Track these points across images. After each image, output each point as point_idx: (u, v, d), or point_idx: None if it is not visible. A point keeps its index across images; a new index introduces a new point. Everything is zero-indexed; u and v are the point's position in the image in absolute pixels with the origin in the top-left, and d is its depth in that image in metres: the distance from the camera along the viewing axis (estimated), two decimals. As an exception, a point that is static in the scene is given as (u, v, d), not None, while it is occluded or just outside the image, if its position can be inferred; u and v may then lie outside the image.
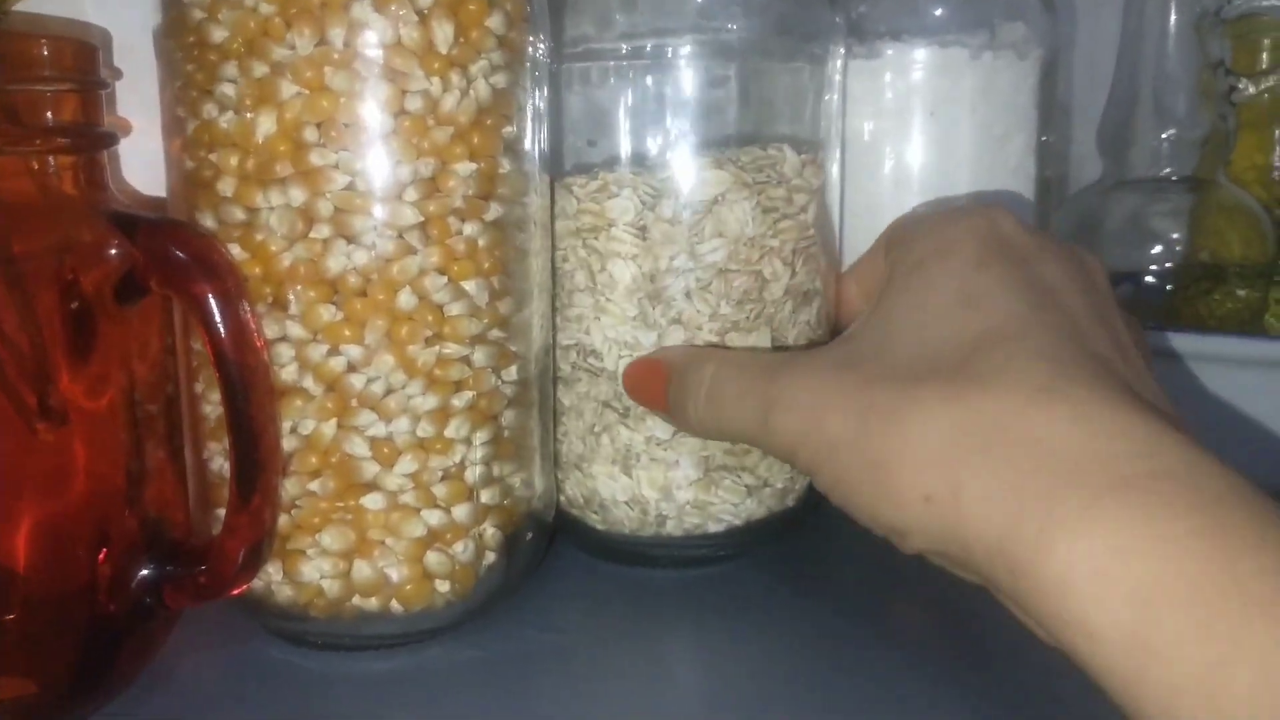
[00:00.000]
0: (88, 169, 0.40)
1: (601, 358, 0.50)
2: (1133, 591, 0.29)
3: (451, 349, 0.43)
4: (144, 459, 0.41)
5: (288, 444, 0.42)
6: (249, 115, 0.41)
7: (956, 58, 0.56)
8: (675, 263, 0.48)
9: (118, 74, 0.51)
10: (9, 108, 0.38)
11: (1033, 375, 0.34)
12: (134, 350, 0.40)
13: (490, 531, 0.46)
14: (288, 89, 0.40)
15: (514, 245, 0.45)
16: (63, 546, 0.38)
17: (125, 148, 0.49)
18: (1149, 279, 0.73)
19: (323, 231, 0.41)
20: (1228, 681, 0.27)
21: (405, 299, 0.42)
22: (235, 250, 0.41)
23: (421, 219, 0.42)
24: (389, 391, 0.42)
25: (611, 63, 0.50)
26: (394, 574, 0.43)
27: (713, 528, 0.51)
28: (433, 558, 0.44)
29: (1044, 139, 0.59)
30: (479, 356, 0.44)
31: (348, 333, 0.41)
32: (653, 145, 0.50)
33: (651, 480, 0.50)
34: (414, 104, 0.41)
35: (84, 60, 0.40)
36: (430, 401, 0.43)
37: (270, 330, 0.41)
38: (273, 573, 0.43)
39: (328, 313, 0.41)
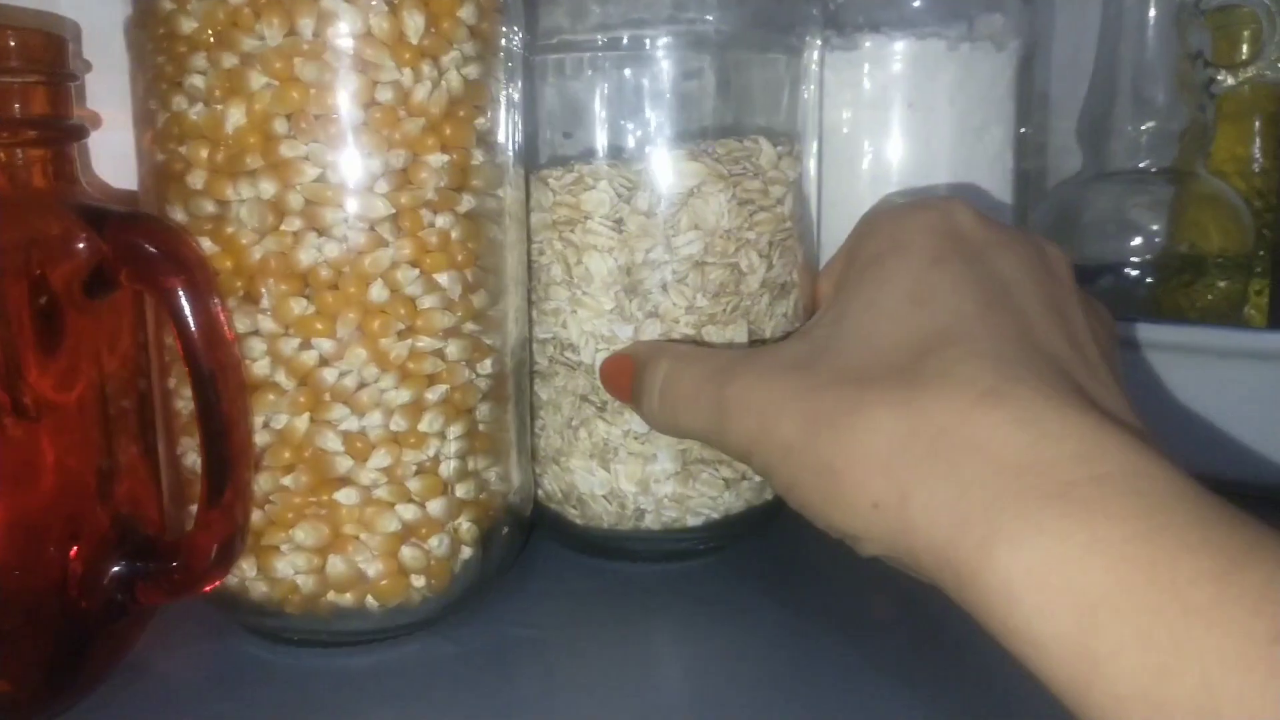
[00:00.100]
0: (56, 162, 0.40)
1: (578, 351, 0.50)
2: (1074, 601, 0.29)
3: (424, 342, 0.43)
4: (116, 455, 0.41)
5: (260, 439, 0.42)
6: (219, 107, 0.40)
7: (934, 49, 0.56)
8: (651, 255, 0.48)
9: (87, 66, 0.51)
10: (-24, 100, 0.37)
11: (978, 378, 0.34)
12: (104, 345, 0.40)
13: (466, 526, 0.45)
14: (257, 80, 0.40)
15: (488, 238, 0.45)
16: (33, 543, 0.38)
17: (96, 141, 0.49)
18: (1129, 271, 0.73)
19: (294, 224, 0.41)
20: (1171, 691, 0.27)
21: (377, 292, 0.41)
22: (206, 243, 0.41)
23: (393, 211, 0.41)
24: (362, 385, 0.42)
25: (586, 54, 0.50)
26: (369, 569, 0.43)
27: (691, 521, 0.51)
28: (408, 553, 0.43)
29: (1023, 131, 0.59)
30: (452, 350, 0.44)
31: (319, 326, 0.41)
32: (628, 138, 0.49)
33: (629, 474, 0.50)
34: (385, 95, 0.41)
35: (52, 52, 0.39)
36: (403, 395, 0.43)
37: (241, 324, 0.41)
38: (247, 569, 0.43)
39: (299, 306, 0.41)
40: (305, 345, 0.41)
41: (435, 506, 0.44)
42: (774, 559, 0.53)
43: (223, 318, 0.38)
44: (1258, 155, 0.81)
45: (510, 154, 0.47)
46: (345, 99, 0.40)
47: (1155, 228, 0.73)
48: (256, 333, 0.41)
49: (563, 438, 0.51)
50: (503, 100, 0.46)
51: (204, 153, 0.41)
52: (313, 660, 0.44)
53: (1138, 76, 0.72)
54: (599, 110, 0.50)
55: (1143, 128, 0.73)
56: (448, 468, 0.44)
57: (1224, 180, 0.76)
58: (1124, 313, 0.66)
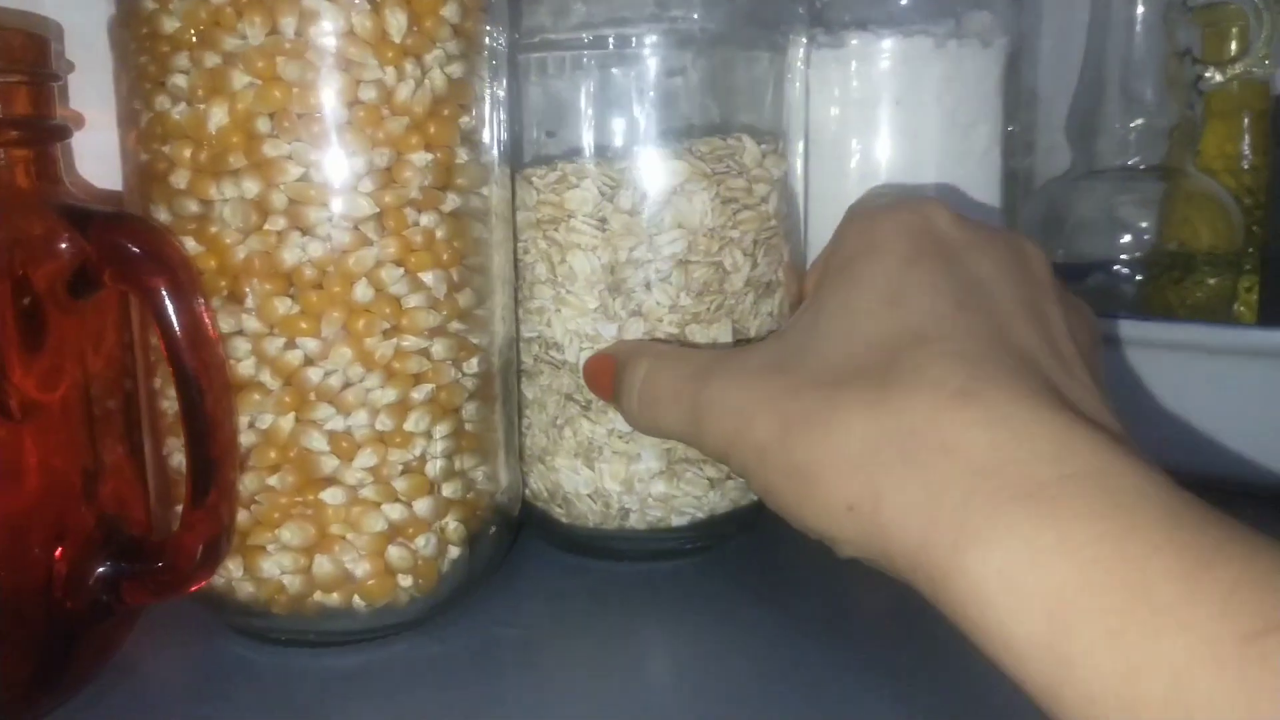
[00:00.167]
0: (40, 162, 0.40)
1: (563, 350, 0.50)
2: (1045, 602, 0.29)
3: (410, 341, 0.43)
4: (101, 455, 0.41)
5: (245, 439, 0.42)
6: (201, 106, 0.40)
7: (921, 47, 0.56)
8: (635, 254, 0.48)
9: (70, 66, 0.51)
10: (-42, 100, 0.37)
11: (949, 378, 0.34)
12: (88, 345, 0.40)
13: (453, 526, 0.45)
14: (240, 79, 0.40)
15: (473, 237, 0.45)
16: (17, 543, 0.38)
17: (80, 141, 0.49)
18: (1118, 268, 0.73)
19: (277, 223, 0.41)
20: (1142, 691, 0.27)
21: (362, 291, 0.41)
22: (190, 243, 0.41)
23: (377, 210, 0.41)
24: (347, 385, 0.42)
25: (569, 53, 0.50)
26: (356, 569, 0.43)
27: (676, 521, 0.51)
28: (395, 552, 0.43)
29: (1010, 128, 0.59)
30: (438, 349, 0.44)
31: (304, 325, 0.41)
32: (612, 136, 0.49)
33: (614, 473, 0.50)
34: (368, 94, 0.41)
35: (34, 52, 0.39)
36: (389, 395, 0.42)
37: (226, 324, 0.41)
38: (233, 569, 0.43)
39: (284, 306, 0.41)
40: (290, 345, 0.41)
41: (422, 506, 0.44)
42: (761, 559, 0.53)
43: (207, 318, 0.38)
44: (1247, 152, 0.81)
45: (495, 153, 0.47)
46: (328, 98, 0.40)
47: (1144, 225, 0.73)
48: (241, 332, 0.41)
49: (548, 436, 0.51)
50: (487, 99, 0.46)
51: (187, 152, 0.41)
52: (300, 660, 0.44)
53: (1126, 74, 0.72)
54: (582, 109, 0.50)
55: (1131, 125, 0.73)
56: (434, 467, 0.44)
57: (1213, 177, 0.76)
58: (1113, 310, 0.66)
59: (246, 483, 0.42)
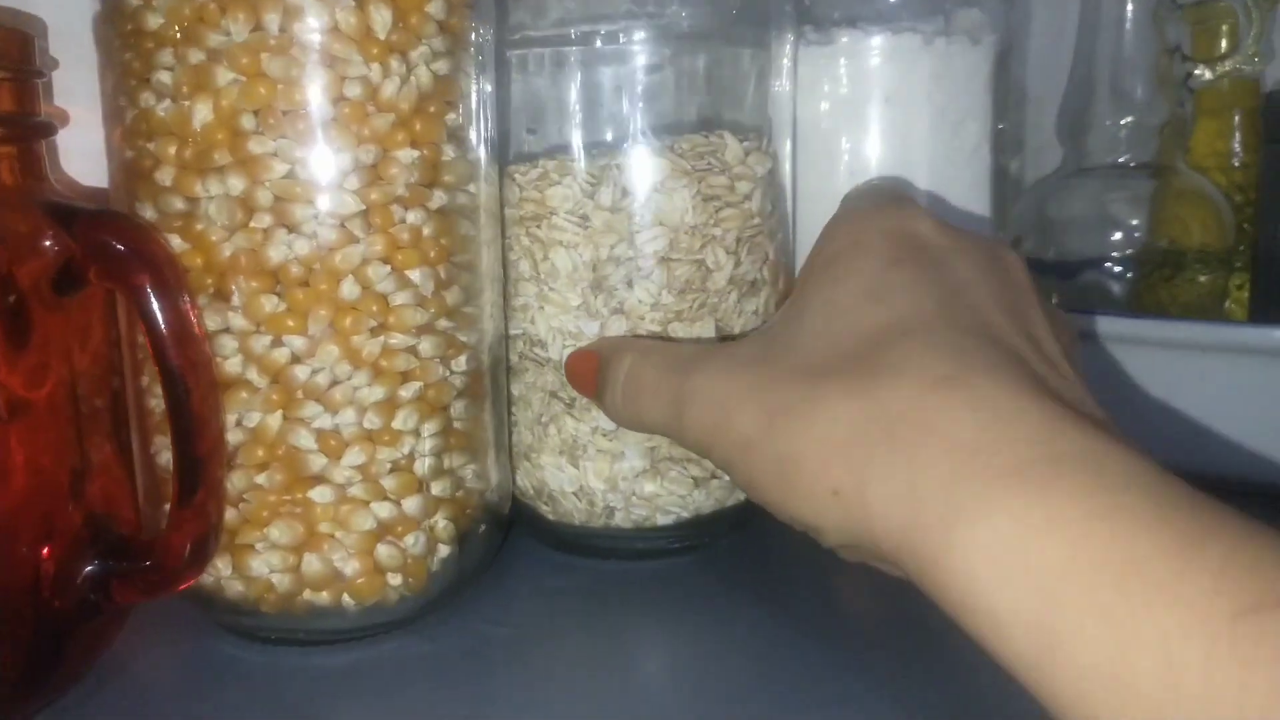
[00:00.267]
0: (24, 159, 0.40)
1: (546, 347, 0.50)
2: (1034, 578, 0.29)
3: (397, 339, 0.43)
4: (88, 453, 0.41)
5: (233, 437, 0.42)
6: (186, 103, 0.40)
7: (910, 44, 0.56)
8: (616, 251, 0.48)
9: (55, 63, 0.51)
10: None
11: (934, 365, 0.34)
12: (74, 342, 0.40)
13: (442, 524, 0.45)
14: (224, 76, 0.40)
15: (461, 234, 0.45)
16: (5, 543, 0.37)
17: (67, 138, 0.49)
18: (1110, 266, 0.73)
19: (263, 221, 0.41)
20: (1132, 666, 0.27)
21: (348, 289, 0.41)
22: (176, 241, 0.41)
23: (363, 207, 0.41)
24: (334, 383, 0.42)
25: (549, 49, 0.50)
26: (345, 568, 0.43)
27: (662, 520, 0.51)
28: (384, 551, 0.43)
29: (1000, 126, 0.59)
30: (426, 347, 0.44)
31: (291, 323, 0.41)
32: (593, 133, 0.49)
33: (598, 471, 0.50)
34: (353, 90, 0.41)
35: (18, 48, 0.39)
36: (376, 392, 0.42)
37: (212, 322, 0.41)
38: (222, 567, 0.43)
39: (270, 303, 0.41)
40: (277, 343, 0.41)
41: (411, 504, 0.44)
42: (753, 557, 0.53)
43: (193, 315, 0.38)
44: (1237, 150, 0.81)
45: (483, 150, 0.46)
46: (313, 94, 0.40)
47: (1135, 223, 0.73)
48: (227, 330, 0.41)
49: (533, 434, 0.52)
50: (474, 95, 0.46)
51: (172, 149, 0.41)
52: (289, 659, 0.44)
53: (1116, 71, 0.72)
54: (562, 106, 0.50)
55: (1122, 122, 0.73)
56: (423, 465, 0.44)
57: (1204, 175, 0.77)
58: (1105, 308, 0.66)
59: (234, 481, 0.42)
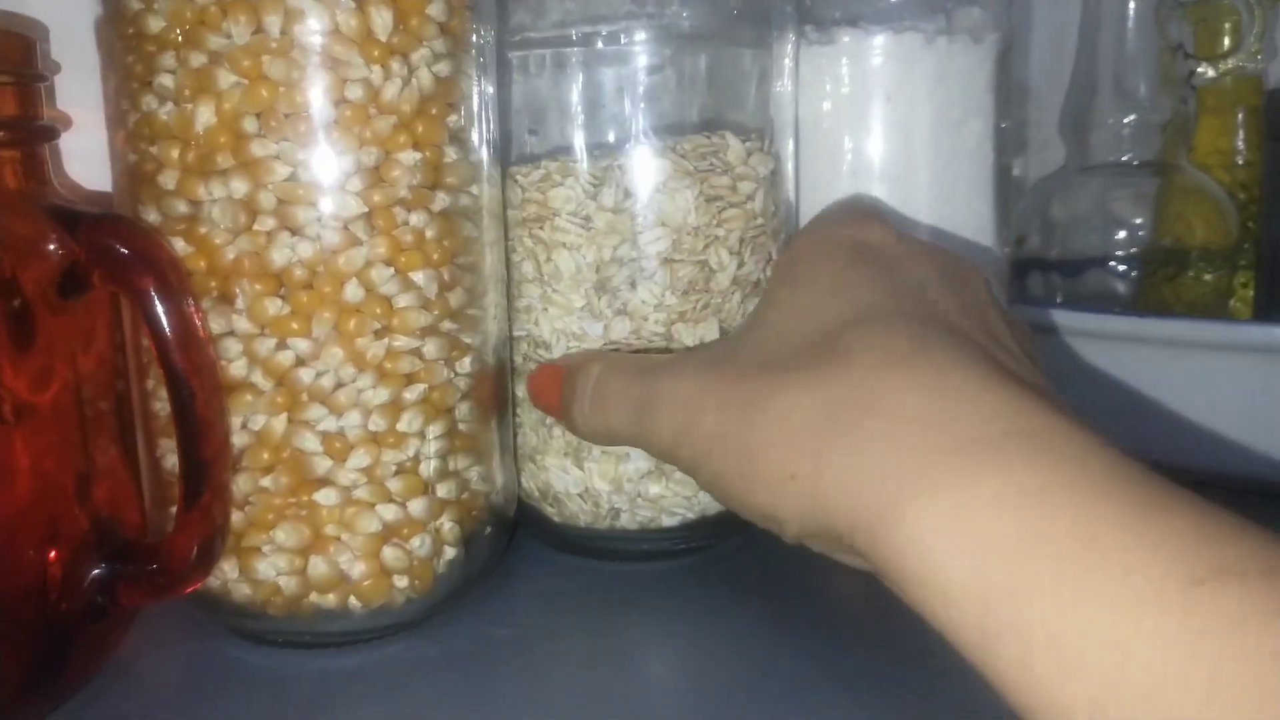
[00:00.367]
0: (27, 163, 0.40)
1: (550, 349, 0.50)
2: (984, 550, 0.29)
3: (401, 341, 0.43)
4: (94, 457, 0.41)
5: (238, 440, 0.42)
6: (188, 106, 0.40)
7: (911, 43, 0.56)
8: (619, 252, 0.48)
9: (57, 67, 0.51)
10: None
11: (888, 348, 0.35)
12: (79, 346, 0.40)
13: (448, 526, 0.45)
14: (226, 79, 0.40)
15: (464, 236, 0.45)
16: (10, 546, 0.38)
17: (69, 142, 0.49)
18: (1114, 265, 0.73)
19: (266, 224, 0.41)
20: (1081, 636, 0.27)
21: (352, 291, 0.41)
22: (179, 244, 0.41)
23: (366, 209, 0.41)
24: (339, 385, 0.42)
25: (550, 51, 0.50)
26: (351, 570, 0.43)
27: (667, 521, 0.51)
28: (390, 553, 0.43)
29: (1003, 124, 0.59)
30: (430, 349, 0.44)
31: (295, 326, 0.41)
32: (596, 134, 0.49)
33: (603, 473, 0.50)
34: (355, 93, 0.41)
35: (20, 53, 0.39)
36: (381, 395, 0.42)
37: (216, 325, 0.41)
38: (229, 570, 0.43)
39: (274, 306, 0.41)
40: (281, 345, 0.41)
41: (416, 506, 0.44)
42: (757, 559, 0.52)
43: (197, 319, 0.38)
44: (1241, 147, 0.81)
45: (485, 151, 0.47)
46: (315, 97, 0.40)
47: (1139, 221, 0.73)
48: (232, 333, 0.41)
49: (537, 435, 0.52)
50: (476, 97, 0.46)
51: (175, 152, 0.41)
52: (296, 662, 0.44)
53: (1119, 69, 0.72)
54: (565, 107, 0.50)
55: (1125, 121, 0.73)
56: (428, 467, 0.44)
57: (1207, 173, 0.77)
58: (1109, 307, 0.66)
59: (240, 484, 0.42)
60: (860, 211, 0.44)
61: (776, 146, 0.52)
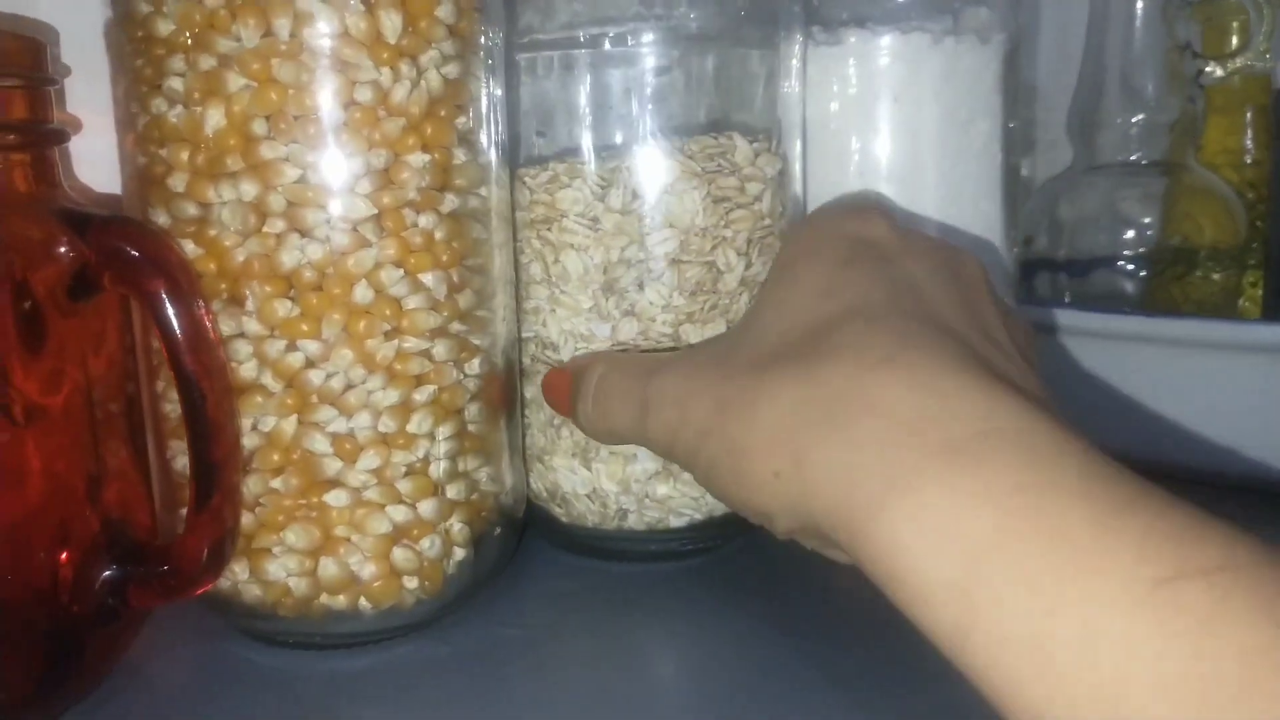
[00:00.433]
0: (37, 166, 0.40)
1: (558, 350, 0.50)
2: (959, 546, 0.29)
3: (411, 343, 0.43)
4: (104, 459, 0.41)
5: (248, 441, 0.42)
6: (198, 109, 0.41)
7: (919, 43, 0.56)
8: (627, 253, 0.48)
9: (67, 70, 0.51)
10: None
11: (875, 346, 0.35)
12: (89, 348, 0.40)
13: (458, 527, 0.45)
14: (235, 81, 0.40)
15: (473, 237, 0.45)
16: (22, 548, 0.38)
17: (78, 145, 0.49)
18: (1122, 264, 0.73)
19: (276, 226, 0.41)
20: (1054, 633, 0.27)
21: (362, 293, 0.41)
22: (189, 246, 0.41)
23: (375, 211, 0.41)
24: (349, 387, 0.42)
25: (558, 53, 0.50)
26: (361, 571, 0.43)
27: (675, 522, 0.51)
28: (400, 554, 0.43)
29: (1010, 124, 0.59)
30: (440, 350, 0.44)
31: (305, 328, 0.41)
32: (601, 135, 0.50)
33: (610, 473, 0.50)
34: (364, 95, 0.41)
35: (30, 56, 0.39)
36: (391, 396, 0.43)
37: (227, 326, 0.41)
38: (239, 571, 0.43)
39: (284, 308, 0.41)
40: (291, 347, 0.42)
41: (426, 508, 0.44)
42: (766, 560, 0.52)
43: (207, 321, 0.38)
44: (1249, 146, 0.81)
45: (494, 153, 0.47)
46: (324, 99, 0.40)
47: (1147, 221, 0.73)
48: (242, 335, 0.41)
49: (545, 436, 0.52)
50: (484, 99, 0.46)
51: (184, 155, 0.41)
52: (306, 663, 0.44)
53: (1126, 69, 0.72)
54: (573, 108, 0.50)
55: (1133, 120, 0.73)
56: (438, 469, 0.44)
57: (1215, 172, 0.77)
58: (1117, 307, 0.66)
59: (250, 485, 0.42)
60: (860, 206, 0.44)
61: (784, 147, 0.52)
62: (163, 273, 0.37)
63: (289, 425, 0.42)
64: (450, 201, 0.44)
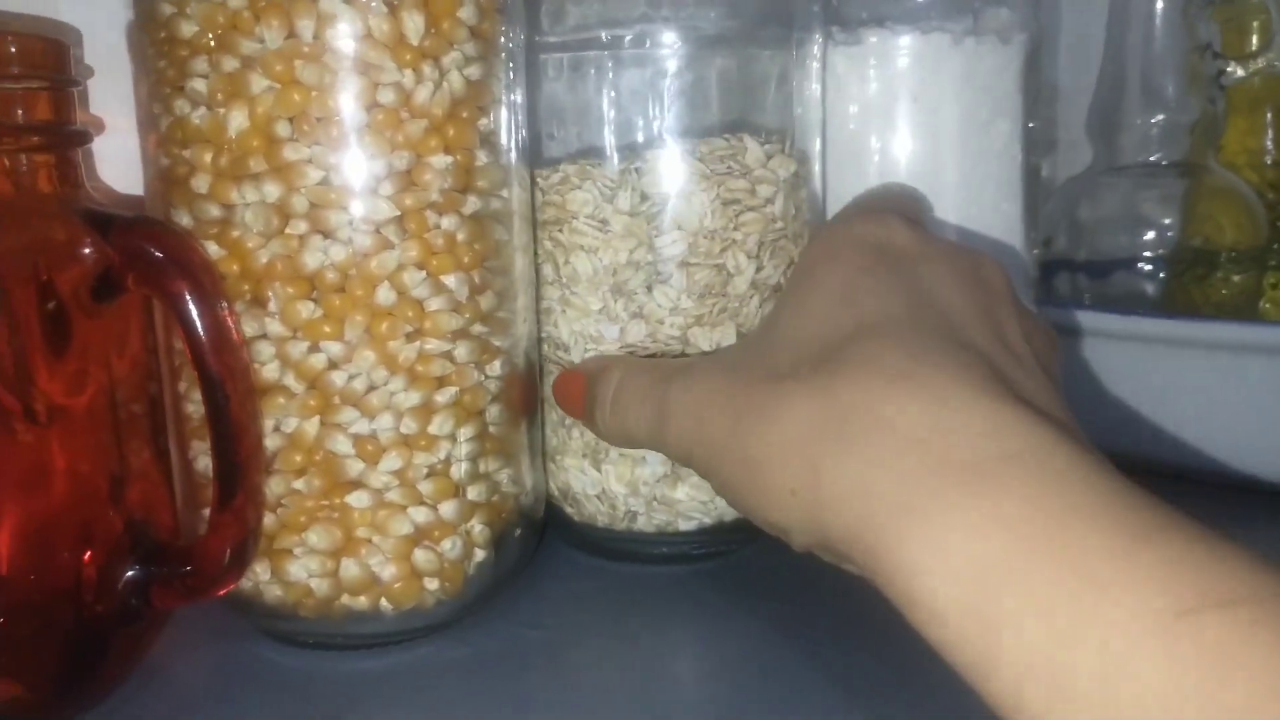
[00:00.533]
0: (61, 167, 0.40)
1: (569, 351, 0.50)
2: (976, 572, 0.29)
3: (432, 344, 0.43)
4: (127, 459, 0.41)
5: (271, 442, 0.42)
6: (221, 110, 0.41)
7: (939, 43, 0.56)
8: (635, 255, 0.49)
9: (90, 71, 0.51)
10: (-22, 107, 0.38)
11: (892, 363, 0.35)
12: (113, 349, 0.40)
13: (478, 528, 0.45)
14: (258, 83, 0.40)
15: (494, 239, 0.45)
16: (46, 548, 0.38)
17: (102, 146, 0.49)
18: (1142, 266, 0.73)
19: (299, 227, 0.41)
20: (1071, 662, 0.27)
21: (384, 294, 0.41)
22: (212, 247, 0.41)
23: (398, 213, 0.41)
24: (371, 388, 0.42)
25: (568, 55, 0.50)
26: (382, 572, 0.43)
27: (683, 525, 0.51)
28: (421, 555, 0.44)
29: (1030, 125, 0.59)
30: (461, 352, 0.44)
31: (327, 329, 0.41)
32: (613, 137, 0.50)
33: (619, 475, 0.50)
34: (386, 97, 0.41)
35: (54, 58, 0.40)
36: (413, 398, 0.43)
37: (249, 328, 0.41)
38: (260, 572, 0.43)
39: (306, 309, 0.41)
40: (314, 348, 0.42)
41: (447, 509, 0.44)
42: (782, 562, 0.52)
43: (230, 322, 0.38)
44: (1269, 147, 0.80)
45: (514, 154, 0.47)
46: (347, 101, 0.40)
47: (1167, 221, 0.73)
48: (265, 336, 0.42)
49: (558, 436, 0.52)
50: (505, 101, 0.46)
51: (207, 157, 0.41)
52: (327, 663, 0.44)
53: (1147, 69, 0.72)
54: (584, 110, 0.50)
55: (1153, 121, 0.72)
56: (459, 470, 0.44)
57: (1236, 173, 0.76)
58: (1138, 308, 0.65)
59: (272, 486, 0.42)
60: (881, 209, 0.43)
61: (800, 148, 0.52)
62: (186, 274, 0.38)
63: (311, 426, 0.42)
64: (472, 203, 0.44)
